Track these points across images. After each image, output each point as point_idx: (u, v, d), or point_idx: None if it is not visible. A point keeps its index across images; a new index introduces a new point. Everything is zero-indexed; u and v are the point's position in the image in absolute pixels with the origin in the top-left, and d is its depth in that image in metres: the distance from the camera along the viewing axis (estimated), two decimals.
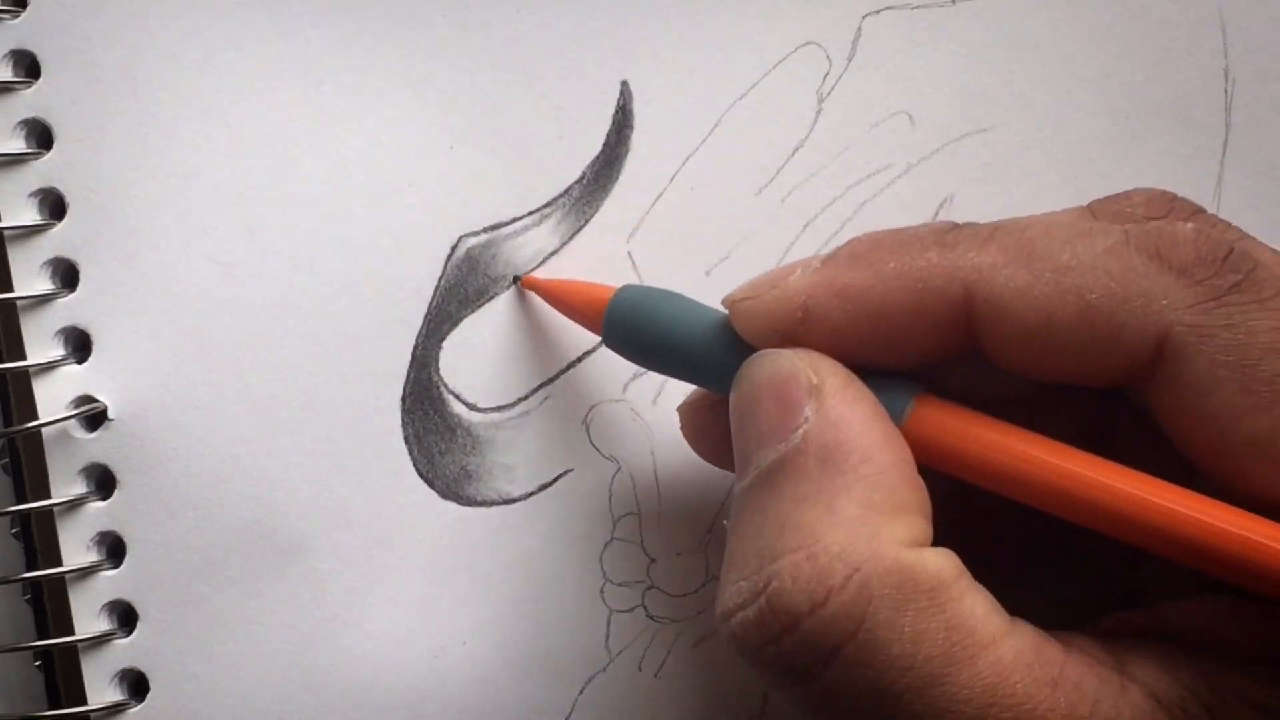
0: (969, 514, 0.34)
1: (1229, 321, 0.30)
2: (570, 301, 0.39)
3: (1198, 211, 0.34)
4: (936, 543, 0.31)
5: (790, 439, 0.31)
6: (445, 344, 0.42)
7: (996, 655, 0.29)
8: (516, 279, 0.42)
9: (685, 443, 0.39)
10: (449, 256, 0.42)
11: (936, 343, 0.32)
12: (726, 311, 0.35)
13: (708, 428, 0.37)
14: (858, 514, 0.30)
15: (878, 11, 0.42)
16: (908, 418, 0.32)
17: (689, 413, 0.38)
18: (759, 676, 0.31)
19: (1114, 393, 0.33)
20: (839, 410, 0.31)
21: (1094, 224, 0.32)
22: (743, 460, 0.32)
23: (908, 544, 0.30)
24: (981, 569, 0.31)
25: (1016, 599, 0.31)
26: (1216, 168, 0.43)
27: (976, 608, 0.29)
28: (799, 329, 0.33)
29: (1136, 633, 0.32)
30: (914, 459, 0.31)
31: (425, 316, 0.42)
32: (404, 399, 0.42)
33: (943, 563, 0.30)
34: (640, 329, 0.36)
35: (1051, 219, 0.34)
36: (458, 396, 0.42)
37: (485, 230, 0.42)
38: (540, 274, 0.42)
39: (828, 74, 0.42)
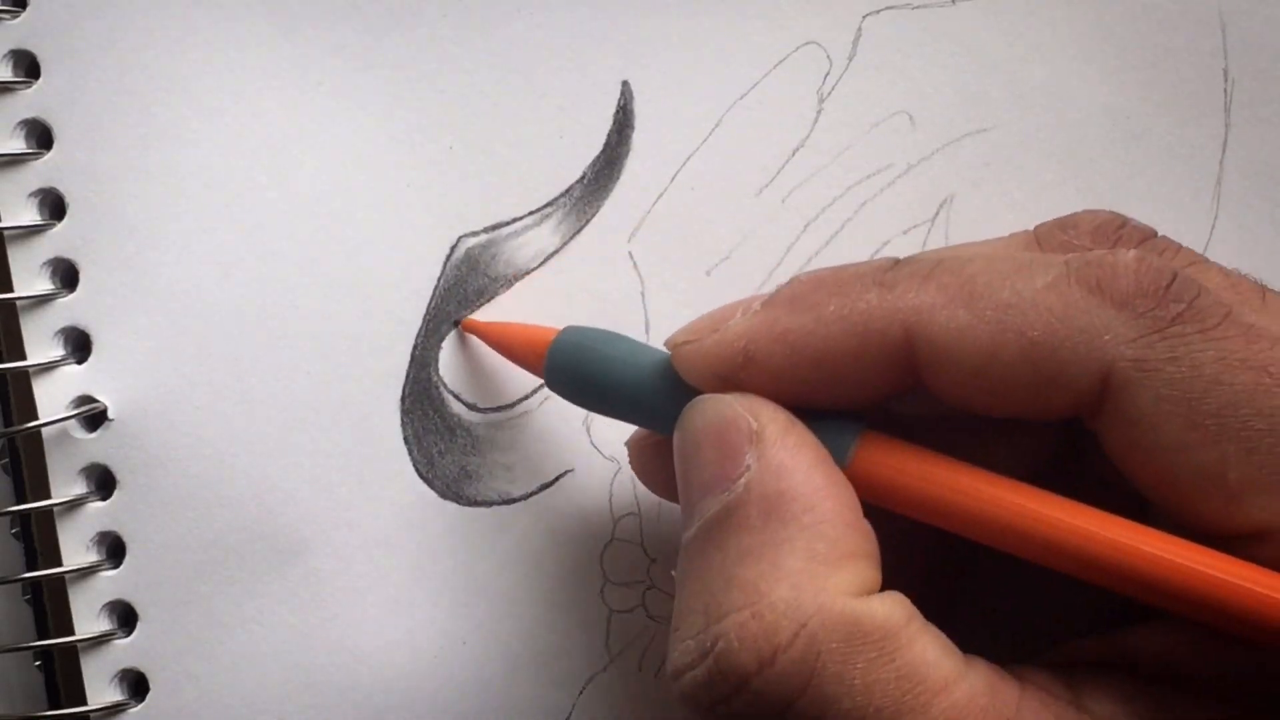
0: (919, 551, 0.34)
1: (1172, 354, 0.29)
2: (510, 345, 0.39)
3: (1147, 237, 0.34)
4: (888, 583, 0.31)
5: (732, 488, 0.30)
6: (445, 344, 0.42)
7: (950, 701, 0.28)
8: (456, 323, 0.42)
9: None
10: (448, 257, 0.42)
11: (880, 382, 0.32)
12: (667, 352, 0.34)
13: (655, 465, 0.37)
14: (802, 566, 0.29)
15: (878, 11, 0.42)
16: (852, 457, 0.32)
17: (636, 450, 0.38)
18: None
19: (1065, 422, 0.32)
20: (780, 457, 0.31)
21: (1035, 257, 0.32)
22: (687, 508, 0.32)
23: (855, 593, 0.29)
24: (936, 605, 0.31)
25: (973, 631, 0.31)
26: (1216, 168, 0.43)
27: (927, 652, 0.29)
28: (740, 373, 0.32)
29: (1093, 661, 0.31)
30: (859, 502, 0.31)
31: (424, 316, 0.42)
32: (403, 399, 0.42)
33: (891, 609, 0.30)
34: (582, 372, 0.36)
35: (994, 251, 0.34)
36: (457, 396, 0.42)
37: (485, 230, 0.42)
38: (481, 316, 0.42)
39: (828, 74, 0.42)
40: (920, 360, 0.31)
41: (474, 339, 0.42)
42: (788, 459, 0.30)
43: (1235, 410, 0.29)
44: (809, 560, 0.29)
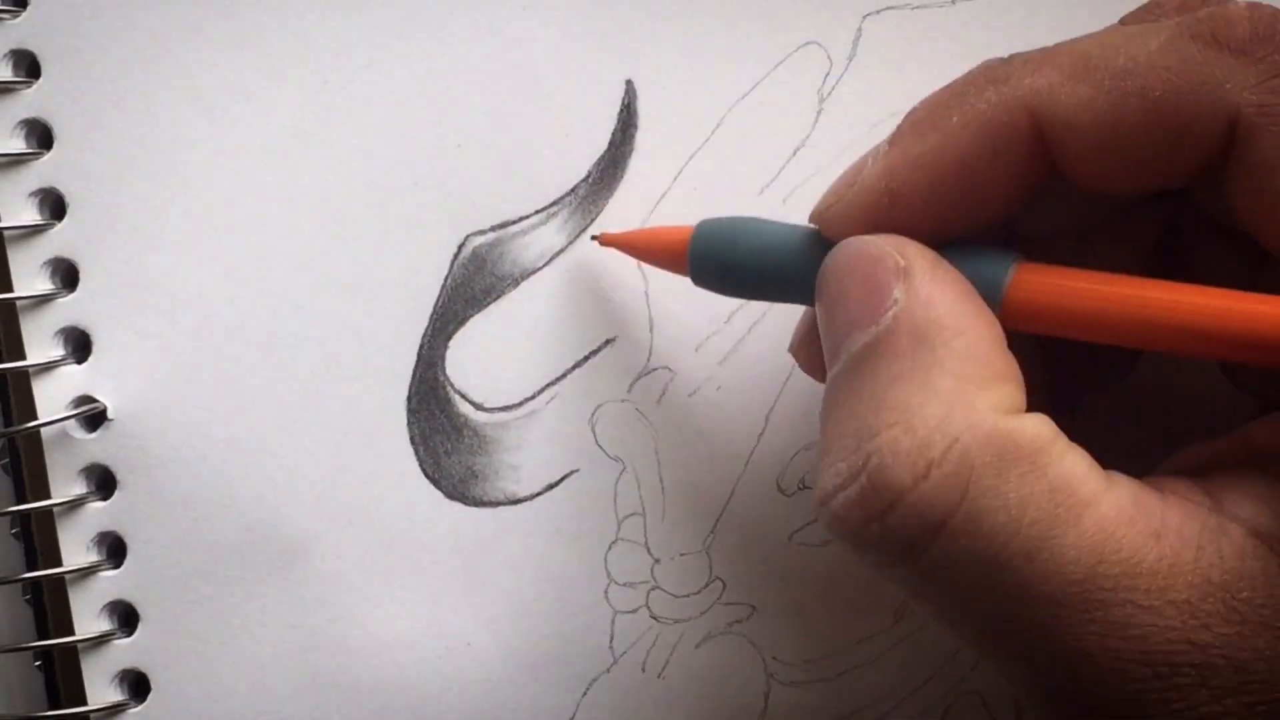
0: (1043, 386, 0.34)
1: None
2: (651, 249, 0.39)
3: None
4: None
5: (881, 321, 0.31)
6: (451, 343, 0.42)
7: (1100, 513, 0.29)
8: (594, 237, 0.41)
9: (690, 443, 0.39)
10: (456, 255, 0.42)
11: (1019, 180, 0.32)
12: (809, 226, 0.34)
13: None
14: (953, 386, 0.29)
15: (878, 12, 0.42)
16: (1010, 282, 0.32)
17: (803, 348, 0.38)
18: (862, 559, 0.31)
19: (1178, 216, 0.33)
20: (928, 289, 0.31)
21: (1144, 25, 0.32)
22: (833, 348, 0.32)
23: (1004, 411, 0.30)
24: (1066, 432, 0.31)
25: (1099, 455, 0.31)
26: None
27: (1076, 467, 0.29)
28: (888, 215, 0.32)
29: (1227, 463, 0.32)
30: (1008, 331, 0.31)
31: (431, 316, 0.42)
32: (409, 399, 0.42)
33: (1039, 426, 0.30)
34: (726, 261, 0.36)
35: (1099, 32, 0.34)
36: (464, 396, 0.42)
37: (492, 229, 0.42)
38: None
39: (829, 74, 0.42)
40: (1051, 144, 0.31)
41: (482, 333, 0.42)
42: (935, 290, 0.31)
43: None
44: (959, 381, 0.30)
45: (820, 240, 0.34)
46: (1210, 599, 0.28)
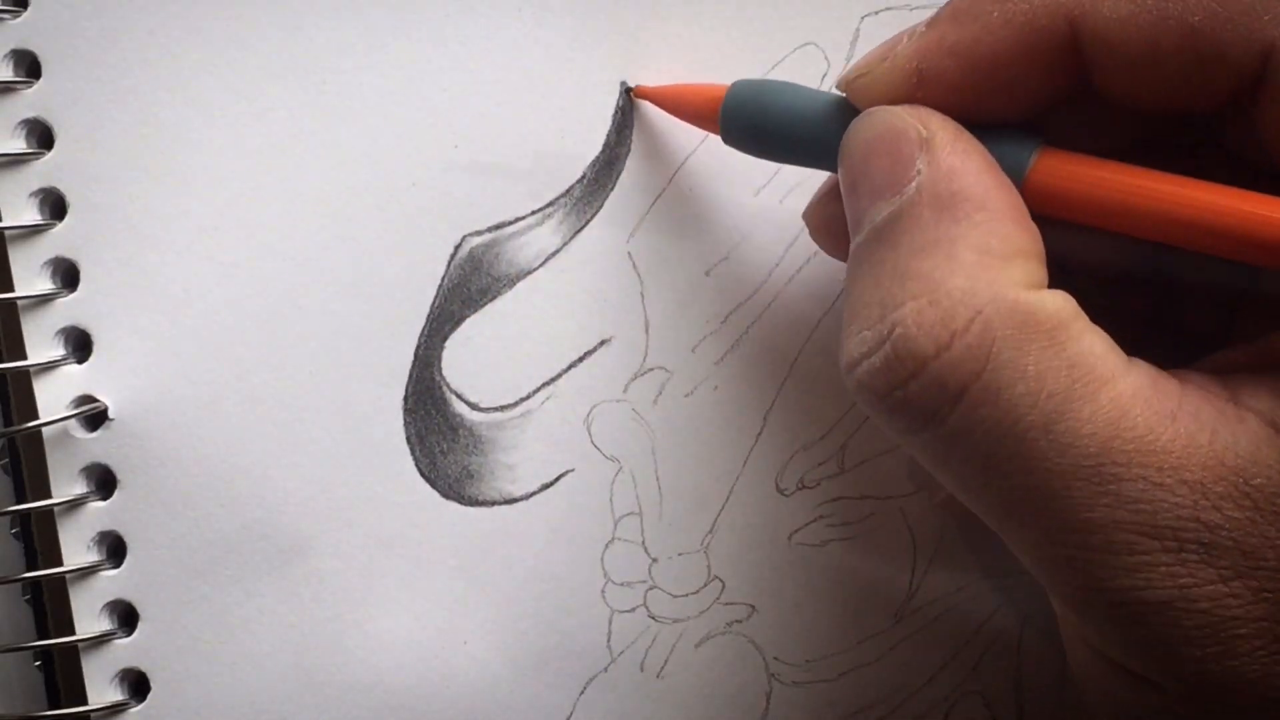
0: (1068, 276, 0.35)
1: None
2: (686, 104, 0.39)
3: None
4: None
5: (904, 192, 0.31)
6: (448, 344, 0.42)
7: (1116, 391, 0.29)
8: (628, 89, 0.42)
9: (687, 443, 0.39)
10: (452, 256, 0.42)
11: (1049, 85, 0.32)
12: (840, 94, 0.35)
13: (838, 226, 0.37)
14: (976, 259, 0.30)
15: (876, 13, 0.42)
16: (1033, 165, 0.32)
17: (817, 215, 0.38)
18: (885, 425, 0.31)
19: (1206, 153, 0.33)
20: (951, 161, 0.31)
21: None
22: (856, 218, 0.32)
23: (1026, 286, 0.30)
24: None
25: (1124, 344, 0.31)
26: None
27: (1095, 345, 0.30)
28: (916, 93, 0.33)
29: (1247, 367, 0.32)
30: (1031, 208, 0.32)
31: (428, 316, 0.42)
32: (406, 399, 0.42)
33: (1061, 303, 0.30)
34: (757, 121, 0.36)
35: None
36: (460, 396, 0.42)
37: (489, 230, 0.42)
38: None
39: (826, 74, 0.42)
40: (1085, 55, 0.31)
41: (478, 334, 0.42)
42: (958, 162, 0.31)
43: None
44: (982, 254, 0.30)
45: (849, 108, 0.34)
46: (1223, 482, 0.29)
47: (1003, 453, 0.29)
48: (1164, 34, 0.31)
